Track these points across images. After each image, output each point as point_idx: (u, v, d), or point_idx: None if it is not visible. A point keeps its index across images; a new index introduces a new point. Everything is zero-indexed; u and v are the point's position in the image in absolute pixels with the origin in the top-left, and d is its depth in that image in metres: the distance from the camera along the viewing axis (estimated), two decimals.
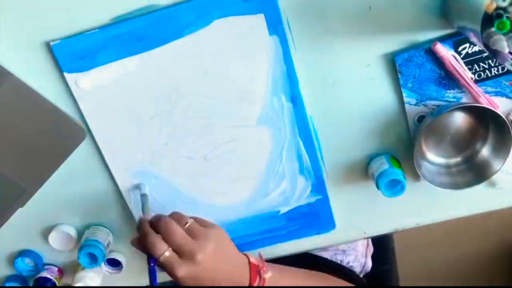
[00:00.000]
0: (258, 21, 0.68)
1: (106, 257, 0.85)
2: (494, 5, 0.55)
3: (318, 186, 0.81)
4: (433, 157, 0.79)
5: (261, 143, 0.77)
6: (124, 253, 0.89)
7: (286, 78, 0.72)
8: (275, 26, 0.68)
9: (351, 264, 1.02)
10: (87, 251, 0.81)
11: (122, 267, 0.88)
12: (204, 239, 0.67)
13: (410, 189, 0.83)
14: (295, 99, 0.73)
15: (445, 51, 0.70)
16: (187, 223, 0.69)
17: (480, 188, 0.79)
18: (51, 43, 0.68)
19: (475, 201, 0.85)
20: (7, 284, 0.88)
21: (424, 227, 0.89)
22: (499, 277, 1.96)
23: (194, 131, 0.76)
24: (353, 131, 0.78)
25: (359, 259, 1.05)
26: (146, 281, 0.91)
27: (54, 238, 0.83)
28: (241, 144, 0.77)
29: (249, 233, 0.85)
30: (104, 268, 0.88)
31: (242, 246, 0.81)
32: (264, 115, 0.75)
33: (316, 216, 0.84)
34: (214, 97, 0.73)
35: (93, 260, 0.82)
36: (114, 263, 0.89)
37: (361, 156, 0.80)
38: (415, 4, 0.68)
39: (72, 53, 0.69)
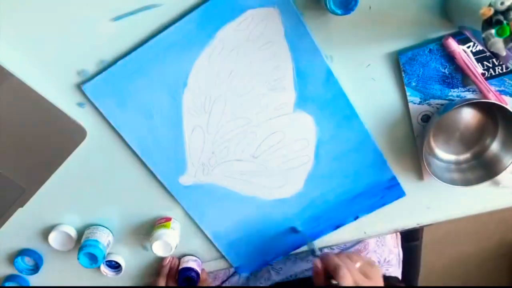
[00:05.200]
0: (270, 11, 0.67)
1: (106, 259, 0.84)
2: (491, 11, 0.55)
3: (376, 158, 0.80)
4: (442, 154, 0.79)
5: (304, 128, 0.76)
6: (124, 255, 0.88)
7: (309, 56, 0.71)
8: (288, 12, 0.67)
9: (388, 259, 1.03)
10: (87, 251, 0.80)
11: (121, 269, 0.87)
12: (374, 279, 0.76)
13: (411, 189, 0.83)
14: (326, 74, 0.72)
15: (456, 46, 0.69)
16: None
17: (483, 187, 0.79)
18: (82, 86, 0.70)
19: (478, 200, 0.84)
20: (6, 284, 0.87)
21: (424, 227, 0.89)
22: (499, 277, 1.96)
23: (235, 133, 0.76)
24: None
25: (393, 250, 1.05)
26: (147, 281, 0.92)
27: (54, 238, 0.83)
28: (284, 133, 0.77)
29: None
30: (104, 269, 0.88)
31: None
32: (299, 99, 0.74)
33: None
34: (245, 94, 0.73)
35: (93, 260, 0.82)
36: (114, 266, 0.88)
37: None
38: (416, 4, 0.68)
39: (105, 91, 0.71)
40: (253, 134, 0.76)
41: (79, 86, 0.71)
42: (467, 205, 0.86)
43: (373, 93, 0.74)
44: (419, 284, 1.33)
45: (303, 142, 0.78)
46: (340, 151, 0.78)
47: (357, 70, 0.72)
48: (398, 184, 0.83)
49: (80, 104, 0.73)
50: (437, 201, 0.85)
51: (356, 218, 0.86)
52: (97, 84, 0.70)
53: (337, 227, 0.87)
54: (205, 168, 0.78)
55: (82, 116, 0.73)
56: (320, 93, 0.73)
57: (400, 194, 0.84)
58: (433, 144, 0.78)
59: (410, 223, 0.88)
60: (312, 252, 0.83)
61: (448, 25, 0.69)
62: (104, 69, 0.69)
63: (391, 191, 0.83)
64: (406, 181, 0.83)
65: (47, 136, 0.74)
